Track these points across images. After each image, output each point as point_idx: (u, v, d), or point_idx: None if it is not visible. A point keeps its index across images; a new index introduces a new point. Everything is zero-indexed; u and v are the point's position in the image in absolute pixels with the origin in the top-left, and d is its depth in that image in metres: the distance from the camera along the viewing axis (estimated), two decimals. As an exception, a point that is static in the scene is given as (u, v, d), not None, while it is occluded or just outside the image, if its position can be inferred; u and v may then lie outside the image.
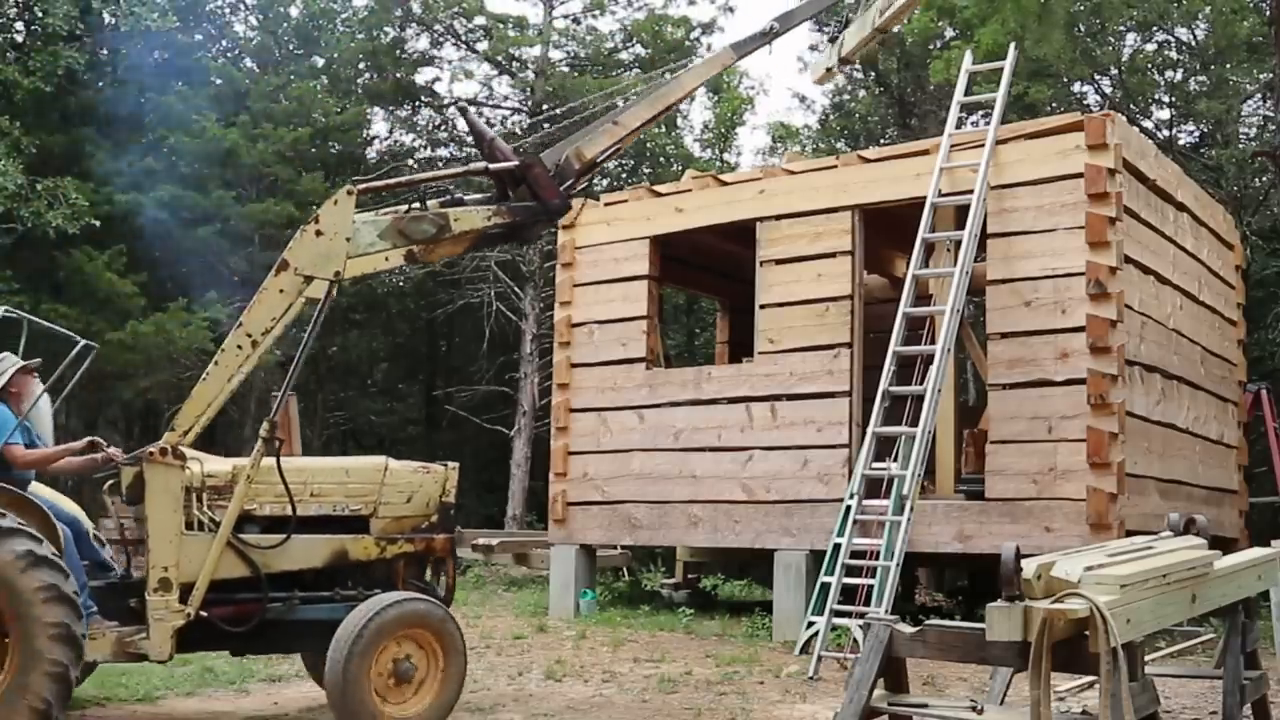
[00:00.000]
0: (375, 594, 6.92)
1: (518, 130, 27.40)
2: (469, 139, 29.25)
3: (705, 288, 17.47)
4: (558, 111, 25.43)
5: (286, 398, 7.01)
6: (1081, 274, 10.27)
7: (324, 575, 7.07)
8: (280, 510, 6.89)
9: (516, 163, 7.40)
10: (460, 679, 6.87)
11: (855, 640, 8.99)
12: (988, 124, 11.13)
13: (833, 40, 9.72)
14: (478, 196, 7.79)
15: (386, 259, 7.05)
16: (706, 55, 8.55)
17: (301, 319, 7.11)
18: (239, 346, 6.69)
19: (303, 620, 6.94)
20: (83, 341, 7.01)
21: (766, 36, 8.62)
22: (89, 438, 7.16)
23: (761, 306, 12.09)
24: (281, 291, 6.74)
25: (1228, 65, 20.55)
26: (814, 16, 9.29)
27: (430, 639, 6.76)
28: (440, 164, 29.29)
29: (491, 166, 7.39)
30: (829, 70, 10.05)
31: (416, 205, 7.20)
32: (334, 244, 6.81)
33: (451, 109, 28.26)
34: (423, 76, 27.37)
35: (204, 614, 6.58)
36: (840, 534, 9.93)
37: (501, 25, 25.61)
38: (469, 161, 28.62)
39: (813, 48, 28.01)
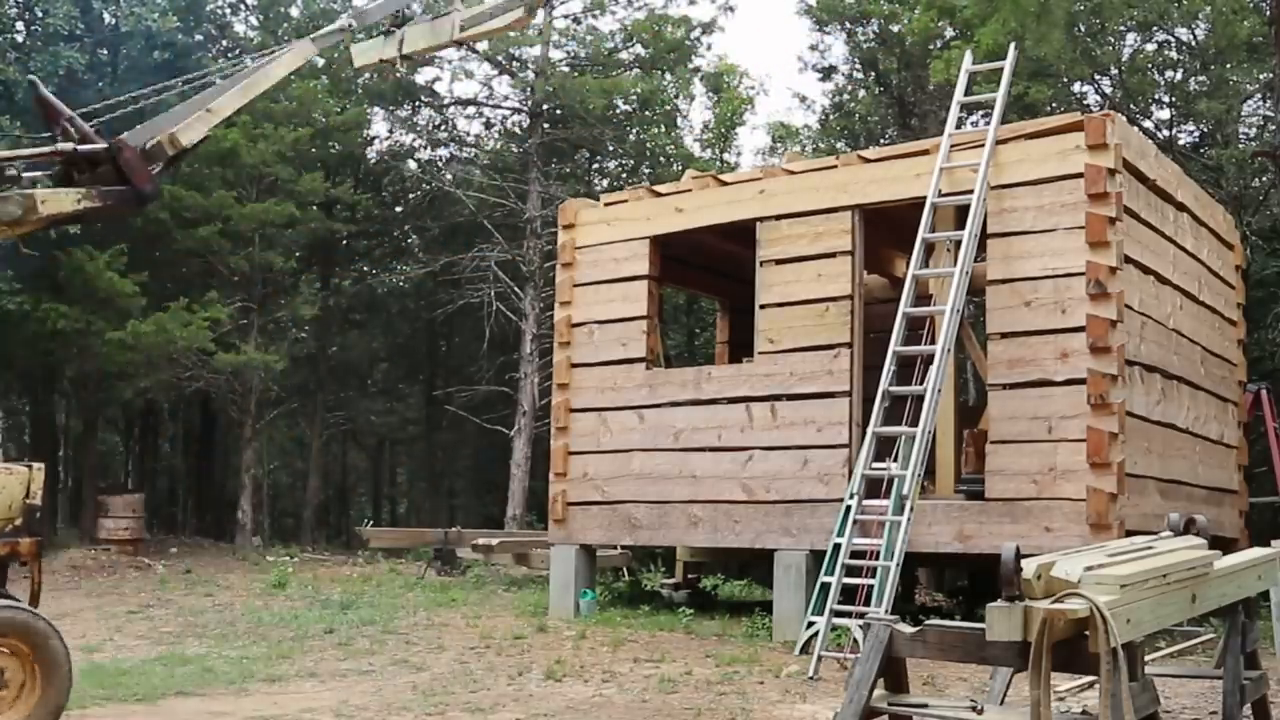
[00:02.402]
0: None
1: (518, 130, 27.43)
2: (469, 138, 29.29)
3: (705, 288, 17.48)
4: (558, 111, 25.49)
5: None
6: (1081, 274, 10.27)
7: None
8: None
9: (105, 145, 7.14)
10: (60, 682, 6.32)
11: (855, 640, 8.99)
12: (988, 124, 11.14)
13: (388, 33, 9.35)
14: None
15: None
16: (287, 47, 8.70)
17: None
18: None
19: None
20: None
21: (342, 32, 8.98)
22: None
23: (761, 306, 12.09)
24: None
25: (1228, 65, 20.52)
26: (388, 15, 9.16)
27: (19, 645, 6.26)
28: (440, 163, 29.28)
29: (81, 148, 7.08)
30: (383, 61, 9.71)
31: None
32: None
33: (451, 108, 28.27)
34: (423, 76, 27.38)
35: None
36: (840, 534, 9.93)
37: (502, 25, 25.54)
38: (470, 160, 28.67)
39: (813, 46, 27.94)
